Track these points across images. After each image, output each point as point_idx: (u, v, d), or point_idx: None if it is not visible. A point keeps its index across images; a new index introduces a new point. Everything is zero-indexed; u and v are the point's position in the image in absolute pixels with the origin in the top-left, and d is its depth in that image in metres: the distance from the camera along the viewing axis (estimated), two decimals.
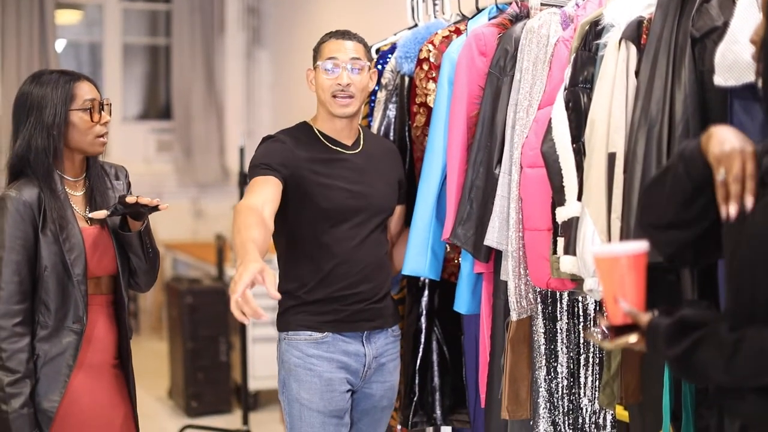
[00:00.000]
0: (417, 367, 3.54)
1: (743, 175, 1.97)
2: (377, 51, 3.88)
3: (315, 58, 3.33)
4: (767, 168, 2.00)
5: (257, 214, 2.95)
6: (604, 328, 2.19)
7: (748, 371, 1.88)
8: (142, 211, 3.07)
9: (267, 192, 3.10)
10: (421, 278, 3.55)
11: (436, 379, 3.54)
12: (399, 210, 3.50)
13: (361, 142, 3.38)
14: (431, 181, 3.39)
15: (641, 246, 2.10)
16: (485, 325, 3.31)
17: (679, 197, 2.11)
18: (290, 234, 3.28)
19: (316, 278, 3.26)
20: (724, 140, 2.01)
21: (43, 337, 3.00)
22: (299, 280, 3.27)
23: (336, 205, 3.25)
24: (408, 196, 3.52)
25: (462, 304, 3.36)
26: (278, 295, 2.60)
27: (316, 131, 3.33)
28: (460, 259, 3.39)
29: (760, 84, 2.08)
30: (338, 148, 3.32)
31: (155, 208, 3.05)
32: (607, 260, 2.10)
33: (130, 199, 3.00)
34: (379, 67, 3.78)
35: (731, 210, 1.97)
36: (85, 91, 3.07)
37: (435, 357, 3.55)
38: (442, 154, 3.37)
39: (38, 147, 3.02)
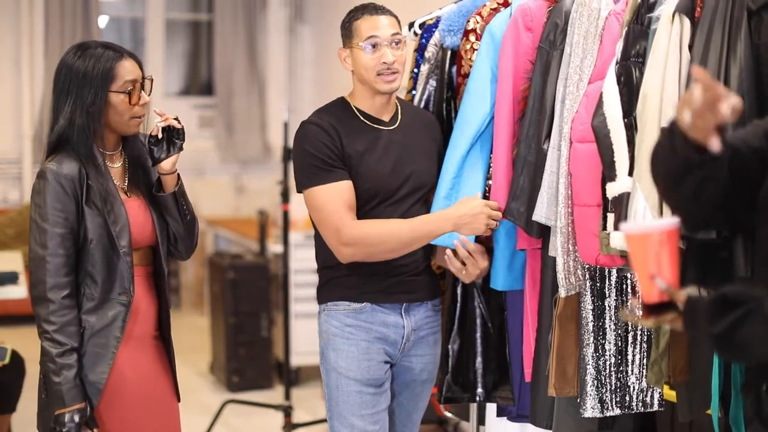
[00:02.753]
0: (452, 345, 3.51)
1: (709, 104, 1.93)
2: (421, 25, 3.85)
3: (348, 37, 3.28)
4: None
5: (371, 220, 3.23)
6: (638, 307, 2.14)
7: None
8: (174, 140, 3.12)
9: (349, 197, 3.21)
10: None
11: (479, 357, 3.51)
12: None
13: (399, 116, 3.36)
14: (458, 149, 3.37)
15: (672, 222, 2.05)
16: (529, 301, 3.29)
17: (672, 175, 2.10)
18: None
19: None
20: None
21: (90, 309, 3.01)
22: None
23: (377, 185, 3.25)
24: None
25: (498, 280, 3.34)
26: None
27: (354, 109, 3.31)
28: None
29: None
30: (377, 126, 3.31)
31: (178, 132, 3.12)
32: (638, 237, 2.05)
33: (155, 129, 3.09)
34: (424, 41, 3.75)
35: (714, 145, 1.92)
36: (126, 71, 3.03)
37: (479, 333, 3.51)
38: (474, 126, 3.35)
39: (79, 126, 3.01)
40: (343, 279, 3.28)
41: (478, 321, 3.50)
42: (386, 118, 3.33)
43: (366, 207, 3.25)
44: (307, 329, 6.38)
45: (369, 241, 3.18)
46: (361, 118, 3.30)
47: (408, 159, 3.31)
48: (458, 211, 3.18)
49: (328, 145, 3.20)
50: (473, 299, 3.50)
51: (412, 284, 3.32)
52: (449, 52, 3.59)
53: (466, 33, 3.50)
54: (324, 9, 9.26)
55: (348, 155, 3.22)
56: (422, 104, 3.65)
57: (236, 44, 9.60)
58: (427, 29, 3.78)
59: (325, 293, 3.33)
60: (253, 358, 6.77)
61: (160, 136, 3.09)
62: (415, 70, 3.74)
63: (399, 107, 3.38)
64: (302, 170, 3.24)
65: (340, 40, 3.37)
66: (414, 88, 3.75)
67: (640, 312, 2.11)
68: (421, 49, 3.72)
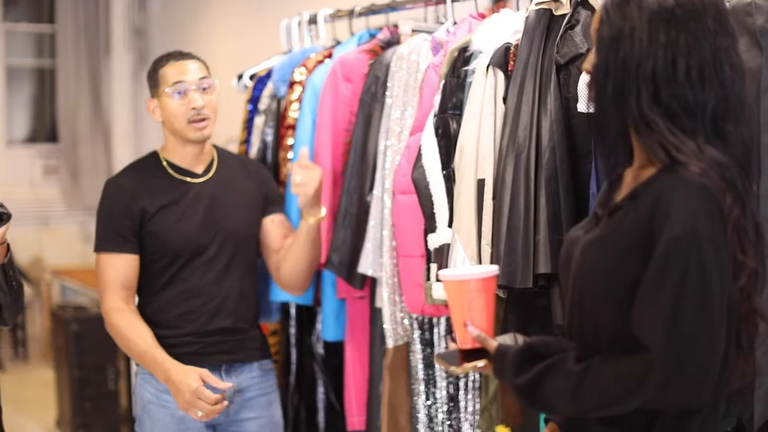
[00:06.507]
0: (291, 400, 3.49)
1: None
2: (252, 77, 3.85)
3: (155, 86, 3.13)
4: (599, 200, 2.02)
5: (132, 316, 3.08)
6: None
7: (593, 402, 1.87)
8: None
9: (126, 275, 3.10)
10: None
11: (321, 412, 3.50)
12: (280, 219, 3.30)
13: (214, 167, 3.21)
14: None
15: (490, 270, 2.08)
16: (349, 349, 3.31)
17: None
18: (143, 271, 3.15)
19: (171, 314, 3.13)
20: None
21: None
22: (154, 315, 3.14)
23: (181, 243, 3.11)
24: None
25: (328, 331, 3.34)
26: (229, 385, 2.99)
27: (164, 162, 3.18)
28: None
29: (592, 110, 2.04)
30: (187, 178, 3.17)
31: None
32: (455, 284, 2.07)
33: None
34: (257, 92, 3.75)
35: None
36: None
37: (321, 391, 3.50)
38: None
39: None
40: (157, 340, 3.09)
41: (318, 377, 3.49)
42: (199, 169, 3.19)
43: (172, 267, 3.11)
44: None
45: (115, 333, 3.10)
46: (170, 171, 3.17)
47: (220, 213, 3.16)
48: (181, 383, 2.96)
49: (122, 210, 3.10)
50: (310, 356, 3.49)
51: (233, 344, 3.16)
52: (283, 103, 3.60)
53: (292, 84, 3.52)
54: None
55: (144, 217, 3.10)
56: (258, 156, 3.64)
57: (80, 90, 9.44)
58: (260, 80, 3.80)
59: None
60: (100, 411, 6.61)
61: None
62: (249, 122, 3.75)
63: (216, 157, 3.24)
64: (96, 232, 3.17)
65: None
66: (247, 139, 3.74)
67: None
68: (254, 100, 3.72)
